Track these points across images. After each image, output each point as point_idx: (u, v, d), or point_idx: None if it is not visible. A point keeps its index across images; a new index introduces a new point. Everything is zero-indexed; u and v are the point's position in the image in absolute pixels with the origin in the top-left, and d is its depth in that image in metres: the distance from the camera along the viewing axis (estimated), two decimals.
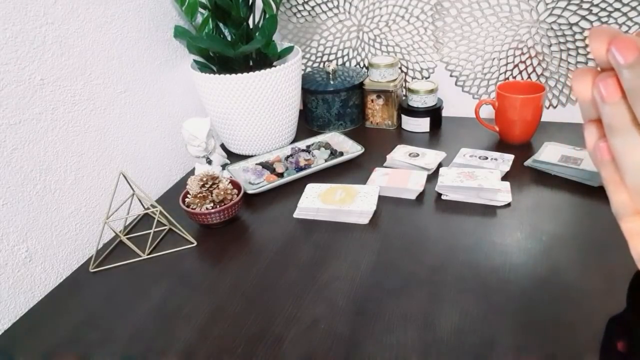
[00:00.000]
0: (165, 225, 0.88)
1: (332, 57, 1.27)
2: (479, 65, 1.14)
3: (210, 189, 0.85)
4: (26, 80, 0.72)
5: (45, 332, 0.68)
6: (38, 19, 0.74)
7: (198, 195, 0.84)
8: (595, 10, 1.00)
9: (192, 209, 0.84)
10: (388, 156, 1.01)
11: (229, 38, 1.08)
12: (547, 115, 1.14)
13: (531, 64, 1.10)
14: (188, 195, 0.86)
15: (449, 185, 0.86)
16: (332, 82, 1.15)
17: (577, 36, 1.04)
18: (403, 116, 1.16)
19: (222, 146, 1.17)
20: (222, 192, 0.84)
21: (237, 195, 0.87)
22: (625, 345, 0.55)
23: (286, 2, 1.22)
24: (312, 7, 1.21)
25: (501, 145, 1.04)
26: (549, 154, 0.94)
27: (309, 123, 1.23)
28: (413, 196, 0.89)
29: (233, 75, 0.98)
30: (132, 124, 0.94)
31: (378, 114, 1.17)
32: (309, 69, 1.30)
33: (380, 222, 0.84)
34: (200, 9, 1.03)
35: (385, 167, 1.00)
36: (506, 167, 0.93)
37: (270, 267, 0.76)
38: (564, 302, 0.64)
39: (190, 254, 0.81)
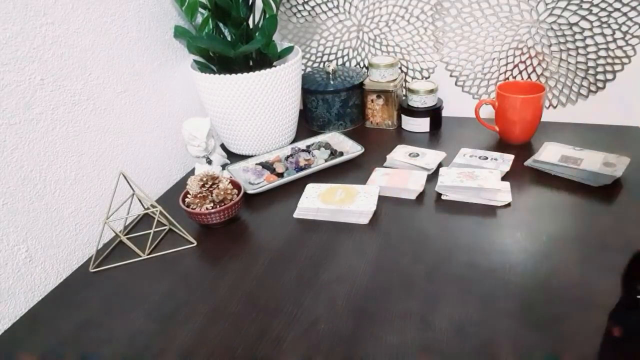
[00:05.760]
0: (165, 225, 0.88)
1: (332, 57, 1.27)
2: (479, 65, 1.14)
3: (210, 189, 0.85)
4: (26, 80, 0.72)
5: (45, 332, 0.68)
6: (38, 19, 0.74)
7: (198, 195, 0.84)
8: (595, 10, 1.00)
9: (192, 209, 0.84)
10: (388, 156, 1.01)
11: (229, 38, 1.08)
12: (547, 115, 1.14)
13: (531, 64, 1.10)
14: (188, 195, 0.86)
15: (449, 185, 0.86)
16: (332, 82, 1.15)
17: (577, 36, 1.04)
18: (403, 116, 1.16)
19: (222, 146, 1.17)
20: (222, 192, 0.84)
21: (237, 195, 0.87)
22: (620, 330, 0.56)
23: (286, 2, 1.22)
24: (312, 7, 1.21)
25: (501, 145, 1.04)
26: (549, 154, 0.94)
27: (309, 123, 1.23)
28: (413, 196, 0.89)
29: (233, 75, 0.98)
30: (132, 124, 0.94)
31: (378, 114, 1.17)
32: (309, 69, 1.30)
33: (380, 222, 0.84)
34: (200, 9, 1.03)
35: (385, 167, 1.00)
36: (506, 167, 0.93)
37: (270, 267, 0.76)
38: (564, 301, 0.64)
39: (190, 254, 0.81)
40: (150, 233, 0.84)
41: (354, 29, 1.21)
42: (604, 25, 1.01)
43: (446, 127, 1.15)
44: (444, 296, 0.67)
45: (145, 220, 0.92)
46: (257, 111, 1.03)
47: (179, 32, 1.03)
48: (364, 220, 0.84)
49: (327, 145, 1.07)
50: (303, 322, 0.65)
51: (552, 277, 0.68)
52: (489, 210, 0.84)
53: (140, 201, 0.93)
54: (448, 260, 0.73)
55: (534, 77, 1.12)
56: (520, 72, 1.12)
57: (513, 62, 1.11)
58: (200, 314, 0.68)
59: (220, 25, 1.06)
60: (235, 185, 0.90)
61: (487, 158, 0.96)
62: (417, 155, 1.00)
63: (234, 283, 0.73)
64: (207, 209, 0.83)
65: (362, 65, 1.25)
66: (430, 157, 0.99)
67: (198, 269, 0.78)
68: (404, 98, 1.19)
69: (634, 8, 0.98)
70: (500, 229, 0.79)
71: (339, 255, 0.77)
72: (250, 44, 0.98)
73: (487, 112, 1.12)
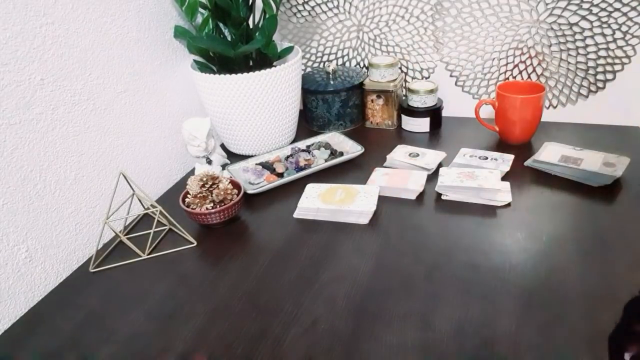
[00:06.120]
0: (165, 225, 0.88)
1: (332, 57, 1.27)
2: (479, 65, 1.14)
3: (210, 189, 0.85)
4: (26, 80, 0.72)
5: (45, 332, 0.68)
6: (38, 19, 0.74)
7: (198, 195, 0.84)
8: (595, 10, 1.00)
9: (192, 209, 0.84)
10: (388, 156, 1.01)
11: (229, 38, 1.08)
12: (547, 115, 1.14)
13: (531, 64, 1.10)
14: (188, 195, 0.86)
15: (449, 185, 0.86)
16: (332, 82, 1.15)
17: (577, 36, 1.04)
18: (403, 116, 1.16)
19: (222, 146, 1.17)
20: (222, 192, 0.84)
21: (237, 195, 0.87)
22: None
23: (286, 2, 1.22)
24: (312, 7, 1.21)
25: (501, 145, 1.04)
26: (549, 154, 0.94)
27: (309, 123, 1.23)
28: (413, 196, 0.89)
29: (233, 75, 0.98)
30: (132, 124, 0.94)
31: (378, 114, 1.17)
32: (309, 69, 1.30)
33: (380, 222, 0.84)
34: (200, 9, 1.03)
35: (385, 167, 1.00)
36: (506, 167, 0.93)
37: (270, 267, 0.76)
38: (563, 302, 0.64)
39: (190, 254, 0.81)
40: (150, 233, 0.84)
41: (354, 29, 1.21)
42: (604, 25, 1.01)
43: (446, 127, 1.15)
44: (444, 296, 0.67)
45: (145, 220, 0.92)
46: (257, 111, 1.03)
47: (179, 32, 1.03)
48: (364, 220, 0.84)
49: (327, 145, 1.07)
50: (303, 322, 0.65)
51: (552, 277, 0.68)
52: (489, 210, 0.84)
53: (140, 201, 0.93)
54: (448, 260, 0.73)
55: (534, 77, 1.12)
56: (520, 72, 1.12)
57: (513, 62, 1.11)
58: (200, 314, 0.68)
59: (220, 25, 1.06)
60: (235, 185, 0.90)
61: (487, 158, 0.96)
62: (417, 155, 1.00)
63: (234, 283, 0.73)
64: (207, 209, 0.83)
65: (362, 65, 1.25)
66: (430, 157, 0.99)
67: (198, 269, 0.78)
68: (404, 98, 1.19)
69: (634, 8, 0.98)
70: (500, 229, 0.79)
71: (339, 255, 0.77)
72: (250, 44, 0.98)
73: (487, 112, 1.12)
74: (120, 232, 0.86)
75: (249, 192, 0.93)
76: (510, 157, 0.96)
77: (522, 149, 1.01)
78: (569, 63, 1.08)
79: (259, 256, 0.79)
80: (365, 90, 1.16)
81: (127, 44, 0.91)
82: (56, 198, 0.79)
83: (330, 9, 1.20)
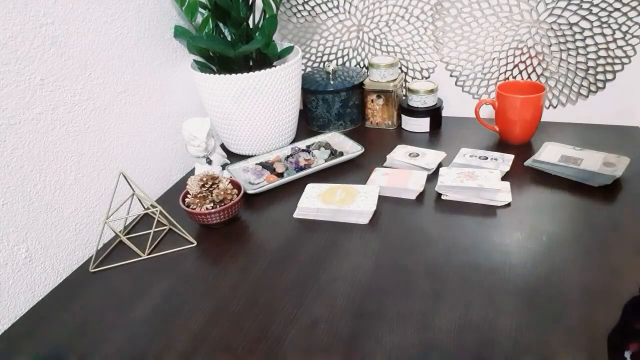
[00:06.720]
0: (165, 225, 0.88)
1: (332, 57, 1.27)
2: (479, 65, 1.14)
3: (210, 189, 0.85)
4: (26, 80, 0.72)
5: (45, 333, 0.68)
6: (38, 19, 0.74)
7: (198, 195, 0.84)
8: (595, 10, 1.00)
9: (192, 209, 0.84)
10: (388, 156, 1.01)
11: (229, 38, 1.08)
12: (547, 115, 1.14)
13: (531, 64, 1.10)
14: (188, 195, 0.86)
15: (449, 185, 0.86)
16: (332, 82, 1.15)
17: (577, 36, 1.04)
18: (403, 116, 1.16)
19: (222, 146, 1.17)
20: (222, 192, 0.84)
21: (237, 195, 0.87)
22: None
23: (286, 2, 1.22)
24: (312, 7, 1.21)
25: (501, 145, 1.04)
26: (549, 154, 0.94)
27: (309, 123, 1.23)
28: (413, 196, 0.89)
29: (233, 75, 0.98)
30: (132, 124, 0.94)
31: (378, 114, 1.17)
32: (309, 69, 1.30)
33: (380, 222, 0.84)
34: (200, 9, 1.03)
35: (385, 167, 1.00)
36: (506, 167, 0.93)
37: (270, 267, 0.76)
38: (563, 302, 0.64)
39: (190, 254, 0.81)
40: (150, 233, 0.84)
41: (354, 29, 1.21)
42: (604, 25, 1.01)
43: (446, 127, 1.15)
44: (444, 296, 0.67)
45: (145, 220, 0.92)
46: (257, 111, 1.03)
47: (179, 32, 1.03)
48: (364, 220, 0.84)
49: (327, 145, 1.07)
50: (303, 322, 0.65)
51: (552, 277, 0.68)
52: (489, 210, 0.84)
53: (140, 201, 0.93)
54: (448, 260, 0.73)
55: (534, 77, 1.12)
56: (520, 72, 1.12)
57: (513, 62, 1.11)
58: (201, 314, 0.68)
59: (220, 25, 1.06)
60: (235, 185, 0.90)
61: (487, 158, 0.96)
62: (417, 155, 1.00)
63: (234, 283, 0.73)
64: (207, 209, 0.83)
65: (362, 65, 1.25)
66: (430, 157, 0.99)
67: (198, 269, 0.78)
68: (404, 98, 1.19)
69: (634, 8, 0.98)
70: (500, 229, 0.79)
71: (339, 255, 0.77)
72: (250, 44, 0.98)
73: (487, 112, 1.12)
74: (120, 232, 0.86)
75: (249, 192, 0.93)
76: (510, 157, 0.96)
77: (522, 149, 1.01)
78: (569, 63, 1.08)
79: (259, 256, 0.79)
80: (365, 90, 1.16)
81: (127, 44, 0.91)
82: (56, 198, 0.79)
83: (330, 9, 1.20)
